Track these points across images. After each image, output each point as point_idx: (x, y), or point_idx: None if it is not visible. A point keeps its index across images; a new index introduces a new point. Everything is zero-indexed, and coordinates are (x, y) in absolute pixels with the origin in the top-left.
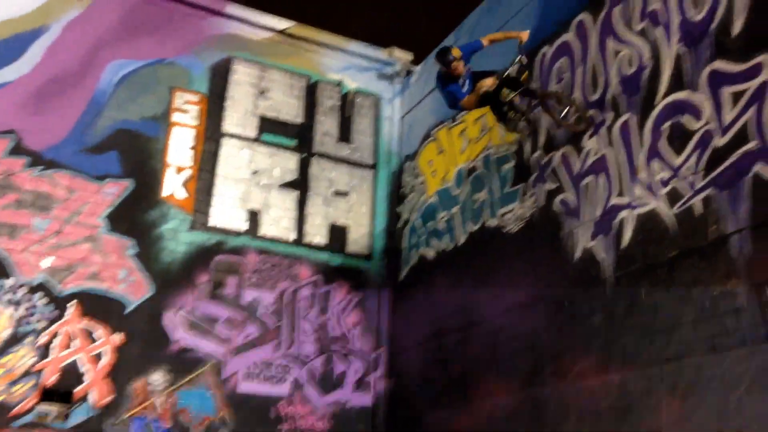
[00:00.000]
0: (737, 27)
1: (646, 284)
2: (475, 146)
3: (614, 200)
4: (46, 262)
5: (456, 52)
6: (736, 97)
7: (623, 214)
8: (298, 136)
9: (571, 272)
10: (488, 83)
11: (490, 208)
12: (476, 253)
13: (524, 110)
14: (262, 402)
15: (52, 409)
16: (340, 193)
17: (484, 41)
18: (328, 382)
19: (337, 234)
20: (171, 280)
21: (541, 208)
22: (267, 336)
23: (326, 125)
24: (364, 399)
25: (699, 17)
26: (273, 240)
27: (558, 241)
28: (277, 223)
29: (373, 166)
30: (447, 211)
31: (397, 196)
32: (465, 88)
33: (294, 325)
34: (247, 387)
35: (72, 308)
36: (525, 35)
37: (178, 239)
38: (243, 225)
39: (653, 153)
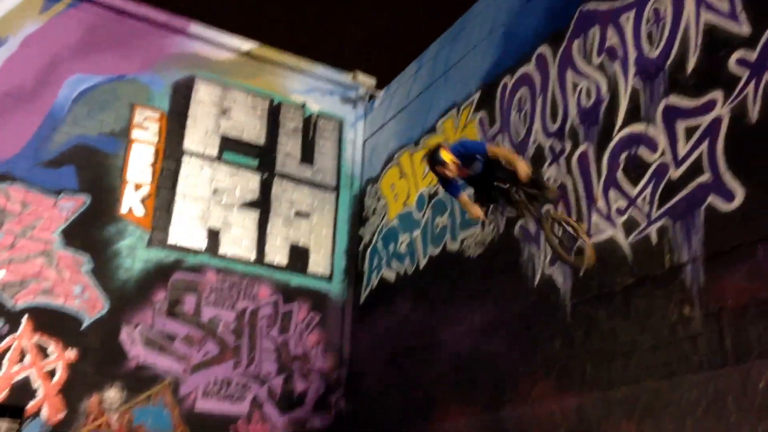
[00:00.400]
0: (691, 64)
1: (603, 310)
2: None
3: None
4: None
5: (446, 156)
6: (690, 131)
7: (580, 241)
8: (260, 157)
9: (530, 297)
10: (477, 213)
11: (451, 232)
12: (437, 277)
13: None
14: (220, 420)
15: (2, 425)
16: (302, 214)
17: (489, 151)
18: (288, 402)
19: (298, 254)
20: (128, 297)
21: (501, 233)
22: (226, 354)
23: (288, 146)
24: (324, 419)
25: (654, 54)
26: (233, 259)
27: (518, 266)
28: (238, 243)
29: (336, 189)
30: (408, 234)
31: (359, 218)
32: (478, 169)
33: (254, 344)
34: (204, 405)
35: (24, 323)
36: (524, 171)
37: (135, 256)
38: (202, 243)
39: (610, 183)
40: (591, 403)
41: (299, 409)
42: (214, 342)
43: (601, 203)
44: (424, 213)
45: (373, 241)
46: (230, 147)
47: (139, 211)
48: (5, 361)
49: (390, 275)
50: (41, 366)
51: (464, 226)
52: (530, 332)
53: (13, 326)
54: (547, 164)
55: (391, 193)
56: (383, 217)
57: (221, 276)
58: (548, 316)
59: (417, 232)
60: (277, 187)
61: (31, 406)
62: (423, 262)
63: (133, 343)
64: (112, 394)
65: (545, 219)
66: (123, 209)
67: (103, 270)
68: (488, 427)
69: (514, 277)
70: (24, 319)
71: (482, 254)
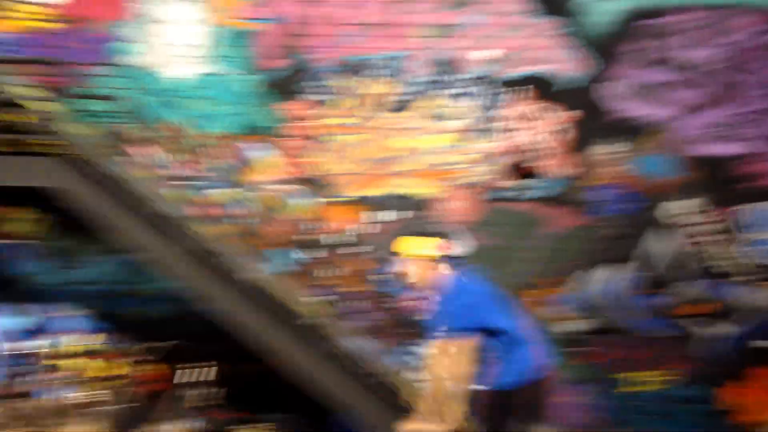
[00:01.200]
0: None
1: None
2: None
3: None
4: (486, 54)
5: None
6: None
7: None
8: None
9: None
10: None
11: None
12: None
13: None
14: (716, 162)
15: (516, 183)
16: None
17: None
18: None
19: None
20: (606, 52)
21: None
22: (716, 95)
23: None
24: None
25: None
26: None
27: None
28: None
29: None
30: None
31: None
32: None
33: (747, 80)
34: (699, 149)
35: (520, 92)
36: None
37: (601, 11)
38: None
39: None
40: None
41: None
42: (701, 85)
43: None
44: None
45: None
46: None
47: None
48: (510, 128)
49: None
50: (541, 129)
51: None
52: None
53: (512, 96)
54: None
55: None
56: None
57: (698, 12)
58: None
59: None
60: None
61: (536, 165)
62: None
63: (620, 96)
64: (607, 148)
65: None
66: None
67: (578, 30)
68: None
69: None
70: (519, 89)
71: None
